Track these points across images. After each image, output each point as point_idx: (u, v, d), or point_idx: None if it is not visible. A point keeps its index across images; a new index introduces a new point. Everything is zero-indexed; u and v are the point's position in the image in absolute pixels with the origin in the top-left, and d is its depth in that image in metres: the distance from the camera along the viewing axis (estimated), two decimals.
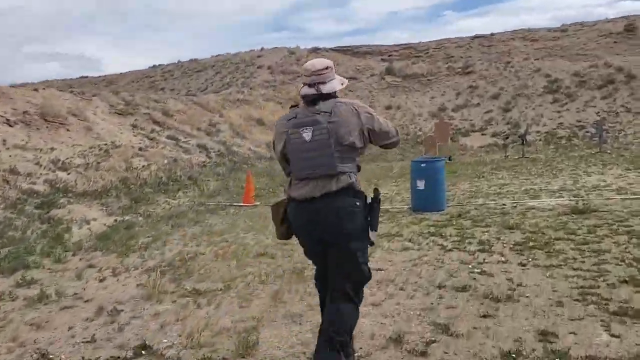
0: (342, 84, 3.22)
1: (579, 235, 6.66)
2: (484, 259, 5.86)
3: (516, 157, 17.43)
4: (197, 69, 30.86)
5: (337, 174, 3.00)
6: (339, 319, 3.09)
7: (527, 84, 23.69)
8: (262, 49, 31.22)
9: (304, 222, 3.14)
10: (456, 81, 25.54)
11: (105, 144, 13.28)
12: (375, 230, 3.14)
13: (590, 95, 22.00)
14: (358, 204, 3.04)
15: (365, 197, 3.13)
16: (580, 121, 20.81)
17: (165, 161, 13.68)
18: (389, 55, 28.50)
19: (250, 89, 25.64)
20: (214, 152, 15.97)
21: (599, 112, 20.96)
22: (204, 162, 14.62)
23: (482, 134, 21.74)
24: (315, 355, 3.16)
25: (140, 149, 13.78)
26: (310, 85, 3.09)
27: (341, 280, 3.13)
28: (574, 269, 5.25)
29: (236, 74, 28.37)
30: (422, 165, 9.31)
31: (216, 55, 31.91)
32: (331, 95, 3.12)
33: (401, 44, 29.28)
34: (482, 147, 20.55)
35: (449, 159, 18.05)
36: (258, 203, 10.81)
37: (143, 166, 12.87)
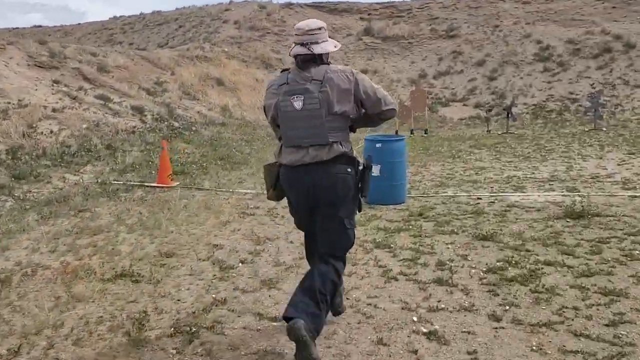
0: (334, 47, 3.15)
1: (579, 257, 4.69)
2: (439, 302, 3.87)
3: (499, 133, 15.41)
4: (159, 22, 28.19)
5: (329, 144, 3.00)
6: (320, 278, 3.06)
7: (515, 51, 21.54)
8: (230, 1, 28.56)
9: (295, 186, 3.13)
10: (439, 45, 23.28)
11: (8, 102, 10.97)
12: (365, 197, 3.21)
13: (584, 65, 19.93)
14: (350, 170, 3.07)
15: (358, 163, 3.14)
16: (572, 93, 18.78)
17: (85, 126, 11.43)
18: (369, 14, 26.07)
19: (213, 44, 23.17)
20: (151, 115, 13.72)
21: (593, 84, 18.92)
22: (135, 127, 12.39)
23: (464, 105, 19.65)
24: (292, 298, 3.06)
25: (54, 110, 11.49)
26: (302, 45, 3.02)
27: (327, 245, 3.18)
28: (576, 335, 3.28)
29: (200, 29, 25.83)
30: (378, 145, 7.22)
31: (181, 8, 29.17)
32: (322, 58, 3.07)
33: (382, 2, 26.80)
34: (462, 120, 18.48)
35: (425, 132, 16.01)
36: (176, 184, 8.69)
37: (52, 132, 10.63)
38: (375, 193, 6.97)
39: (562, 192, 7.46)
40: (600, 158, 10.19)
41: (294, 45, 3.10)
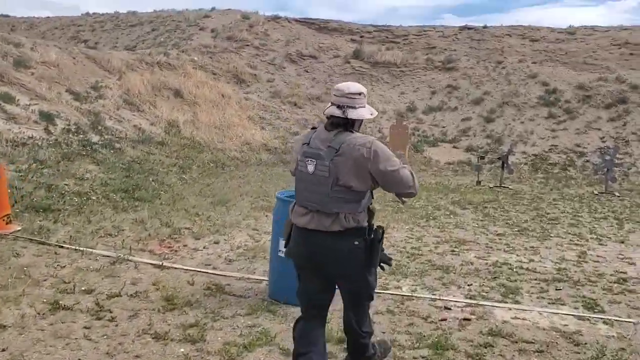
0: (371, 114, 3.04)
1: None
2: None
3: (491, 186, 12.78)
4: (132, 23, 25.68)
5: (333, 214, 2.91)
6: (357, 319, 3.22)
7: (518, 91, 19.06)
8: (212, 8, 26.12)
9: (302, 249, 3.07)
10: (434, 77, 20.80)
11: None
12: (374, 268, 3.06)
13: (594, 114, 17.45)
14: (357, 243, 2.94)
15: (369, 232, 2.97)
16: (579, 146, 16.24)
17: None
18: (361, 36, 23.64)
19: (182, 51, 20.60)
20: (64, 125, 11.03)
21: (604, 138, 16.42)
22: (31, 138, 9.71)
23: (454, 147, 17.07)
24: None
25: None
26: (338, 107, 2.94)
27: (348, 308, 3.20)
28: None
29: (173, 34, 23.33)
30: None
31: (159, 10, 26.71)
32: (355, 124, 2.99)
33: (378, 25, 24.43)
34: (450, 164, 15.86)
35: None
36: (14, 230, 5.97)
37: None
38: (282, 283, 4.36)
39: (577, 309, 4.78)
40: (622, 242, 7.52)
41: (330, 104, 2.98)
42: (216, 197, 8.96)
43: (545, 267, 6.11)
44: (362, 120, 3.04)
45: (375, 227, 3.05)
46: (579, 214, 9.61)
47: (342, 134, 2.94)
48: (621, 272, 5.98)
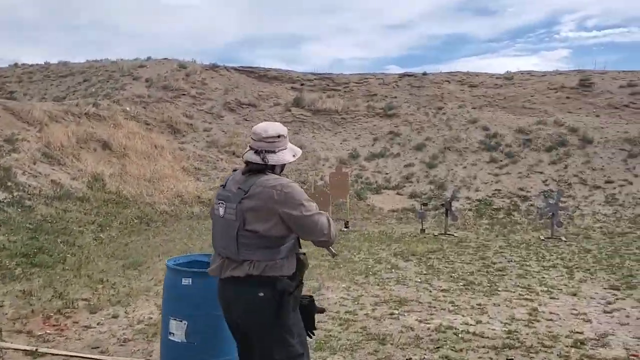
0: (293, 156, 2.89)
1: None
2: None
3: (436, 234, 12.21)
4: (63, 74, 24.56)
5: (239, 261, 2.73)
6: None
7: (459, 136, 18.91)
8: (148, 58, 25.34)
9: (220, 302, 2.92)
10: (375, 124, 20.49)
11: None
12: (287, 328, 2.74)
13: (536, 158, 17.37)
14: (262, 294, 2.69)
15: (279, 286, 2.69)
16: (522, 190, 16.00)
17: None
18: (301, 85, 23.29)
19: (113, 102, 19.63)
20: None
21: (546, 181, 16.26)
22: None
23: (398, 194, 16.56)
24: None
25: None
26: (256, 152, 2.78)
27: None
28: None
29: (106, 85, 22.33)
30: (186, 281, 3.68)
31: (92, 61, 25.71)
32: (276, 169, 2.82)
33: (318, 73, 24.16)
34: (394, 212, 15.28)
35: (345, 226, 12.66)
36: None
37: None
38: None
39: None
40: (575, 294, 6.93)
41: (248, 149, 2.83)
42: (130, 259, 7.95)
43: (494, 329, 5.40)
44: (283, 165, 2.87)
45: (296, 279, 2.81)
46: (527, 263, 9.06)
47: (256, 175, 2.77)
48: (577, 333, 5.33)
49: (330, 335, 5.05)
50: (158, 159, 16.91)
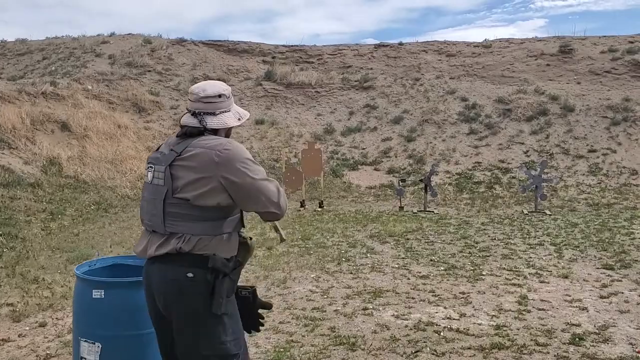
0: (238, 119, 2.45)
1: None
2: None
3: (415, 211, 11.58)
4: (20, 52, 23.23)
5: (166, 235, 2.28)
6: None
7: (438, 108, 18.21)
8: (112, 34, 24.11)
9: (144, 284, 2.44)
10: (351, 97, 19.67)
11: None
12: (221, 319, 2.28)
13: (516, 128, 16.77)
14: (191, 275, 2.24)
15: (212, 263, 2.24)
16: (503, 162, 15.42)
17: None
18: (273, 57, 22.32)
19: (74, 80, 18.52)
20: None
21: (528, 152, 15.69)
22: None
23: (375, 169, 15.88)
24: None
25: None
26: (193, 114, 2.37)
27: None
28: None
29: (67, 62, 21.12)
30: (96, 293, 2.91)
31: (52, 38, 24.38)
32: (219, 133, 2.38)
33: (290, 45, 23.19)
34: (372, 189, 14.61)
35: (320, 206, 11.97)
36: None
37: None
38: None
39: None
40: (566, 277, 6.32)
41: (185, 111, 2.43)
42: (76, 252, 7.15)
43: (481, 324, 4.75)
44: (227, 130, 2.43)
45: (234, 260, 2.34)
46: (512, 241, 8.46)
47: (194, 137, 2.35)
48: (574, 325, 4.70)
49: (293, 340, 4.34)
50: (121, 139, 15.96)
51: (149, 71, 20.75)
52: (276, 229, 2.69)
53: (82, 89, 18.07)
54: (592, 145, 15.42)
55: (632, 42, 19.71)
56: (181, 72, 21.10)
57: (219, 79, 20.80)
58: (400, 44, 22.33)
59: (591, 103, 17.04)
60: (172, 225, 2.29)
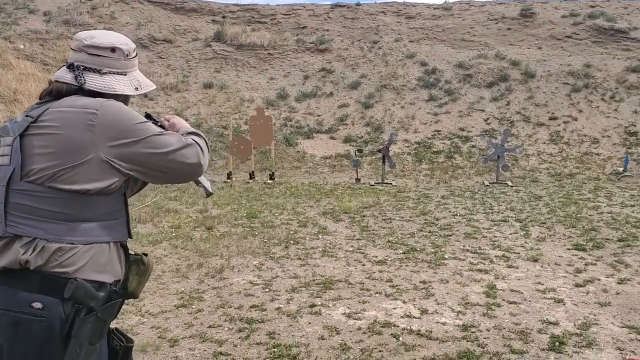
0: (135, 88, 1.80)
1: None
2: None
3: (372, 183, 10.89)
4: None
5: (9, 237, 1.58)
6: None
7: (396, 73, 17.44)
8: None
9: None
10: (305, 60, 18.68)
11: None
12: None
13: (476, 94, 16.19)
14: (38, 306, 1.53)
15: (71, 292, 1.55)
16: (464, 129, 14.85)
17: None
18: (223, 17, 21.04)
19: (4, 39, 16.94)
20: None
21: (488, 119, 15.16)
22: None
23: (332, 138, 15.09)
24: None
25: None
26: (71, 68, 1.73)
27: None
28: None
29: None
30: None
31: None
32: (96, 95, 1.70)
33: (241, 4, 21.94)
34: (327, 159, 13.84)
35: (270, 178, 11.15)
36: None
37: None
38: None
39: None
40: (536, 260, 5.73)
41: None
42: None
43: (445, 323, 4.08)
44: (118, 97, 1.73)
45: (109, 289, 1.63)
46: (474, 217, 7.86)
47: (61, 99, 1.67)
48: (551, 324, 4.07)
49: (221, 353, 3.57)
50: None
51: (89, 30, 19.20)
52: (197, 183, 1.92)
53: (13, 48, 16.57)
54: (553, 113, 14.99)
55: (593, 7, 19.29)
56: (124, 32, 19.58)
57: (165, 40, 19.56)
58: (358, 4, 21.34)
59: (552, 69, 16.58)
60: (16, 224, 1.58)
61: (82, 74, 1.73)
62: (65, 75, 1.74)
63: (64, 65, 1.80)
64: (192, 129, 1.86)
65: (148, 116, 2.06)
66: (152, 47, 18.99)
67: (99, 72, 1.75)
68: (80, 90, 1.71)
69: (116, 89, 1.76)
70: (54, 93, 1.71)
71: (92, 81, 1.73)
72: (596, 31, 17.93)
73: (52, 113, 1.65)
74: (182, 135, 1.75)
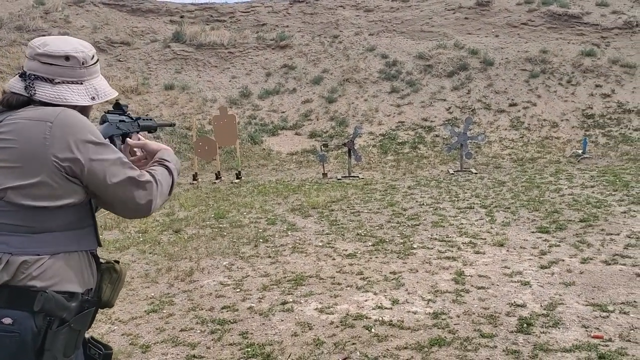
0: (92, 98, 1.71)
1: None
2: None
3: (339, 177, 10.94)
4: None
5: None
6: None
7: (358, 66, 17.53)
8: None
9: None
10: (267, 57, 18.63)
11: None
12: None
13: (438, 84, 16.39)
14: (8, 321, 1.49)
15: (41, 304, 1.52)
16: (426, 120, 15.02)
17: None
18: (181, 17, 20.82)
19: None
20: None
21: (450, 108, 15.36)
22: None
23: (297, 134, 15.09)
24: None
25: None
26: (23, 77, 1.65)
27: None
28: None
29: None
30: None
31: None
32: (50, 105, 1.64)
33: (198, 3, 21.73)
34: (294, 155, 13.84)
35: (237, 177, 11.09)
36: None
37: None
38: None
39: None
40: (502, 245, 5.85)
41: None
42: None
43: (416, 312, 4.13)
44: (76, 107, 1.66)
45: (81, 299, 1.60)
46: (440, 205, 7.97)
47: (15, 110, 1.63)
48: (519, 306, 4.17)
49: (194, 356, 3.55)
50: None
51: (43, 35, 18.72)
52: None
53: None
54: (512, 99, 15.28)
55: None
56: (80, 36, 19.18)
57: (122, 43, 19.23)
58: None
59: (510, 56, 16.89)
60: None
61: (32, 83, 1.65)
62: (16, 85, 1.67)
63: (17, 74, 1.71)
64: (166, 157, 1.80)
65: (118, 106, 2.00)
66: (109, 50, 18.64)
67: (51, 81, 1.67)
68: (29, 101, 1.64)
69: (68, 100, 1.68)
70: (5, 104, 1.65)
71: (43, 91, 1.65)
72: (551, 17, 18.33)
73: (8, 125, 1.59)
74: (151, 161, 1.71)
